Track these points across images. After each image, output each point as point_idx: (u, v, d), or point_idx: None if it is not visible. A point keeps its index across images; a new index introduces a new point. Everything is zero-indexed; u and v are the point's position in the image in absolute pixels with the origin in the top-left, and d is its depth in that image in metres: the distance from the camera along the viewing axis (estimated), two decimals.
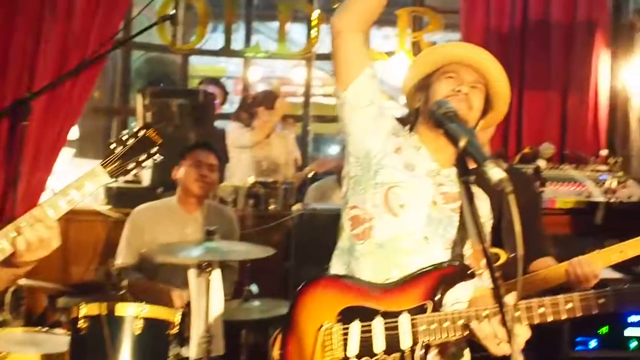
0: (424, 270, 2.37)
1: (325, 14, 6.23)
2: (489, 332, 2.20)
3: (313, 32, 6.21)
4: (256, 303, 4.15)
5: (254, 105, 6.18)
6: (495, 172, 1.67)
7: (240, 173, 6.03)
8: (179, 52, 6.47)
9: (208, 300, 3.46)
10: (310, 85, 6.68)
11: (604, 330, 4.06)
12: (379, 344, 2.31)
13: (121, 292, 3.56)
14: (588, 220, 4.91)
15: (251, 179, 5.71)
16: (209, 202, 4.68)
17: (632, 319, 4.06)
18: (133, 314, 3.25)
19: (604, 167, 5.28)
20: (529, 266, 3.27)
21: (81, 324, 3.20)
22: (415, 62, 2.66)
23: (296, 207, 5.01)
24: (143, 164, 2.17)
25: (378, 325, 2.32)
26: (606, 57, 5.55)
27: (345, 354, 2.31)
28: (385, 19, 6.23)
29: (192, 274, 3.53)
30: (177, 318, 3.41)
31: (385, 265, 2.43)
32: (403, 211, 2.44)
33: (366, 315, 2.34)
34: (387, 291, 2.38)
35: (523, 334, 2.21)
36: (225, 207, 4.98)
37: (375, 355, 2.31)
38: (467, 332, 2.25)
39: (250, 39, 7.00)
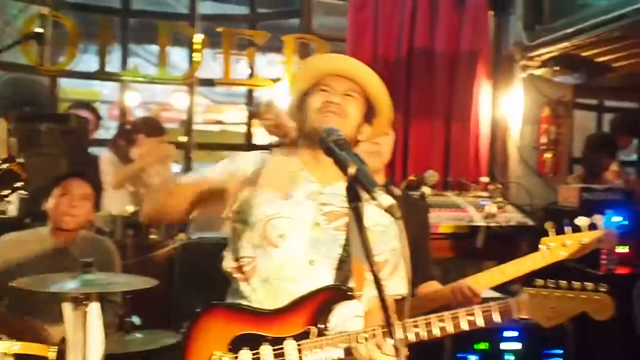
0: (306, 295, 2.40)
1: (208, 38, 6.16)
2: (365, 354, 2.25)
3: (196, 57, 6.10)
4: (138, 335, 4.01)
5: (133, 132, 5.99)
6: (385, 199, 1.69)
7: (117, 202, 5.79)
8: (47, 74, 6.14)
9: (85, 335, 3.28)
10: (193, 111, 6.55)
11: (483, 345, 4.21)
12: None
13: None
14: (469, 244, 5.08)
15: (130, 208, 5.52)
16: (84, 232, 4.39)
17: (508, 334, 4.24)
18: (2, 351, 3.09)
19: (484, 194, 5.48)
20: (416, 289, 3.37)
21: None
22: (292, 82, 2.69)
23: (180, 237, 4.96)
24: (6, 199, 2.06)
25: (266, 352, 2.34)
26: (487, 87, 5.76)
27: None
28: (271, 45, 6.24)
29: (67, 307, 3.32)
30: (50, 354, 3.23)
31: (274, 298, 2.42)
32: (283, 241, 2.44)
33: (256, 342, 2.36)
34: (275, 317, 2.39)
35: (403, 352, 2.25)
36: (102, 238, 4.65)
37: None
38: (349, 355, 2.30)
39: (127, 62, 6.77)
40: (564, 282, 2.48)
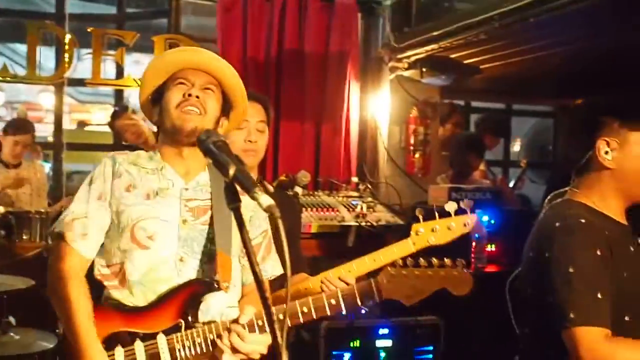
0: (174, 289, 2.41)
1: (76, 38, 6.02)
2: (227, 345, 2.29)
3: (66, 57, 5.97)
4: (15, 336, 4.00)
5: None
6: (264, 199, 1.70)
7: None
8: None
9: None
10: (62, 111, 6.41)
11: (356, 343, 4.25)
12: None
13: None
14: (341, 243, 5.12)
15: (0, 209, 5.42)
16: None
17: (382, 331, 4.30)
18: None
19: (355, 193, 5.55)
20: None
21: None
22: (144, 74, 2.61)
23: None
24: None
25: (139, 349, 2.35)
26: (356, 88, 5.83)
27: None
28: (139, 45, 6.15)
29: None
30: None
31: (148, 300, 2.42)
32: (153, 242, 2.43)
33: (128, 339, 2.36)
34: (146, 313, 2.39)
35: (265, 340, 2.30)
36: None
37: None
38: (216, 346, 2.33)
39: None
40: (423, 260, 2.51)
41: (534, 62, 5.42)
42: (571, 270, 2.49)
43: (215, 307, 2.45)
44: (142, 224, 2.43)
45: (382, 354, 4.31)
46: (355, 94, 5.83)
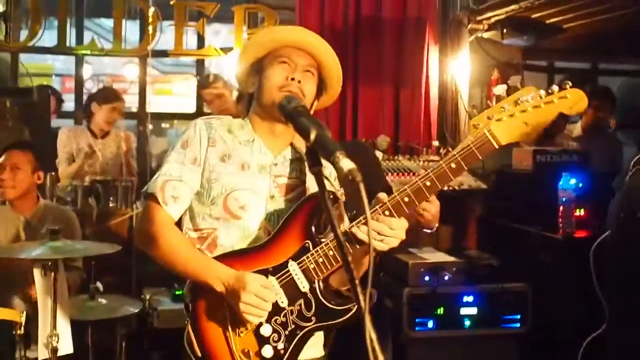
0: (289, 216, 2.42)
1: (160, 11, 6.13)
2: (366, 233, 2.24)
3: (150, 29, 6.09)
4: (103, 301, 4.17)
5: (88, 103, 6.10)
6: (346, 163, 1.70)
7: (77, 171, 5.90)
8: (11, 50, 6.16)
9: (55, 300, 3.38)
10: (146, 83, 6.55)
11: (440, 311, 4.24)
12: (282, 299, 2.37)
13: None
14: None
15: (87, 178, 5.62)
16: (45, 202, 4.60)
17: (466, 299, 4.28)
18: None
19: (436, 158, 5.48)
20: None
21: None
22: (247, 46, 2.62)
23: (138, 205, 5.02)
24: None
25: (273, 282, 2.37)
26: (435, 52, 5.76)
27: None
28: (220, 16, 6.22)
29: (37, 273, 3.42)
30: (22, 318, 3.35)
31: None
32: (244, 212, 2.46)
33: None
34: (267, 248, 2.41)
35: (403, 225, 2.28)
36: (62, 207, 4.90)
37: (283, 310, 2.38)
38: (352, 248, 2.30)
39: (83, 36, 6.76)
40: (531, 96, 2.29)
41: (620, 20, 5.27)
42: None
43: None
44: (236, 194, 2.46)
45: (467, 322, 4.28)
46: (435, 57, 5.76)
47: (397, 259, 4.33)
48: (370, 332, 1.59)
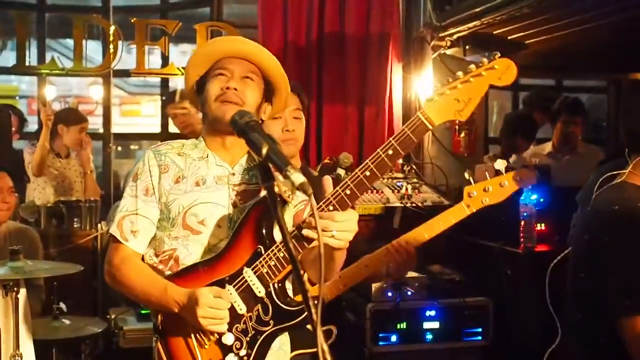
0: (240, 222, 2.44)
1: (122, 30, 6.14)
2: (314, 229, 2.25)
3: (111, 48, 6.08)
4: (66, 321, 4.21)
5: (54, 124, 6.04)
6: (297, 177, 1.71)
7: (39, 192, 5.86)
8: None
9: (17, 320, 3.39)
10: (110, 102, 6.54)
11: (403, 325, 4.26)
12: (240, 306, 2.39)
13: None
14: (386, 225, 5.10)
15: (51, 198, 5.59)
16: (9, 222, 4.62)
17: (429, 313, 4.30)
18: None
19: (400, 175, 5.50)
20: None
21: None
22: (187, 67, 2.64)
23: (102, 225, 5.03)
24: None
25: (231, 291, 2.39)
26: (399, 69, 5.79)
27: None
28: (184, 35, 6.23)
29: None
30: None
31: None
32: (204, 227, 2.47)
33: (220, 287, 2.39)
34: (223, 258, 2.43)
35: (349, 217, 2.27)
36: (24, 226, 4.91)
37: (242, 317, 2.40)
38: (302, 247, 2.32)
39: (45, 57, 6.75)
40: (460, 73, 2.35)
41: (582, 35, 5.31)
42: (632, 256, 2.41)
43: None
44: (193, 210, 2.47)
45: (429, 336, 4.30)
46: (398, 74, 5.78)
47: None
48: (322, 343, 1.63)
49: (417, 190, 5.28)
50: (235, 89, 2.46)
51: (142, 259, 2.55)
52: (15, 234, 4.48)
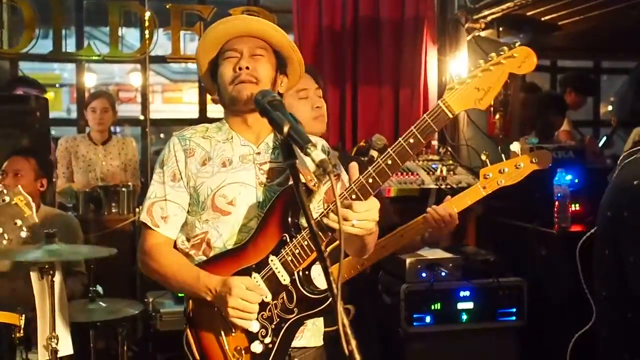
0: (267, 211, 2.46)
1: (159, 17, 6.19)
2: (335, 220, 2.27)
3: (147, 34, 6.14)
4: (102, 304, 4.22)
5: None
6: (317, 154, 1.74)
7: (79, 178, 5.96)
8: (5, 57, 6.23)
9: (53, 302, 3.41)
10: (147, 88, 6.58)
11: (437, 306, 4.28)
12: (266, 295, 2.42)
13: None
14: (421, 207, 5.10)
15: (90, 184, 5.67)
16: (46, 208, 4.61)
17: (463, 294, 4.31)
18: None
19: (435, 157, 5.51)
20: None
21: None
22: (196, 56, 2.65)
23: (141, 209, 4.99)
24: None
25: (257, 279, 2.43)
26: (434, 52, 5.79)
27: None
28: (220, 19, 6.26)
29: (34, 276, 3.46)
30: (21, 321, 3.39)
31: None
32: (234, 207, 2.50)
33: (246, 276, 2.43)
34: (250, 246, 2.46)
35: (370, 206, 2.28)
36: (63, 213, 4.93)
37: (268, 305, 2.43)
38: (325, 236, 2.34)
39: (83, 44, 6.79)
40: (493, 54, 2.34)
41: (616, 15, 5.25)
42: None
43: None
44: (222, 191, 2.50)
45: (464, 316, 4.32)
46: (433, 57, 5.78)
47: (395, 257, 4.34)
48: (343, 318, 1.66)
49: (452, 172, 5.27)
50: (247, 68, 2.48)
51: (175, 245, 2.59)
52: (53, 220, 4.47)
